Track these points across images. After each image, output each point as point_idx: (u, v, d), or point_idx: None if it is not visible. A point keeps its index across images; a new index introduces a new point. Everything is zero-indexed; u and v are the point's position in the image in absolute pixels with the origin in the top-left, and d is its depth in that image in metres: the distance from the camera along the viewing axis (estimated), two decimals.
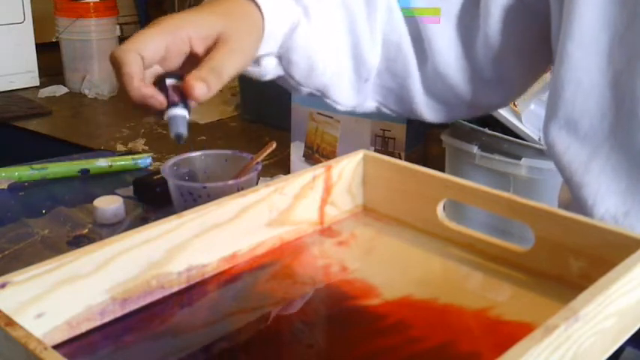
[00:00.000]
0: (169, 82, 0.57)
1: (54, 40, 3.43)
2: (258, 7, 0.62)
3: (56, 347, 0.43)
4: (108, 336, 0.46)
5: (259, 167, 0.70)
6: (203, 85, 0.55)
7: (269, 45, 0.64)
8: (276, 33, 0.64)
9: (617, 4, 0.59)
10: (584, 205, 0.65)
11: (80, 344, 0.45)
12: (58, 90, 3.42)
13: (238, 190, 0.57)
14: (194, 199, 0.66)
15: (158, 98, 0.55)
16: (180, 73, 0.57)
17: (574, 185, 0.65)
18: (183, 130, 0.56)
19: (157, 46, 0.56)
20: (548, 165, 1.57)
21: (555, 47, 0.65)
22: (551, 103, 0.66)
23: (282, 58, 0.67)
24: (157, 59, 0.57)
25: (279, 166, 2.56)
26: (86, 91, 3.39)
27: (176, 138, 0.56)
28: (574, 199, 0.67)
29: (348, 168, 0.61)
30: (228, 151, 0.73)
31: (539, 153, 1.53)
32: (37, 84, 3.44)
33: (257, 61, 0.66)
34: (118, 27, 3.48)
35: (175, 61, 0.58)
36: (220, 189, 0.65)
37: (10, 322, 0.38)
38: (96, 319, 0.47)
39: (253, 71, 0.67)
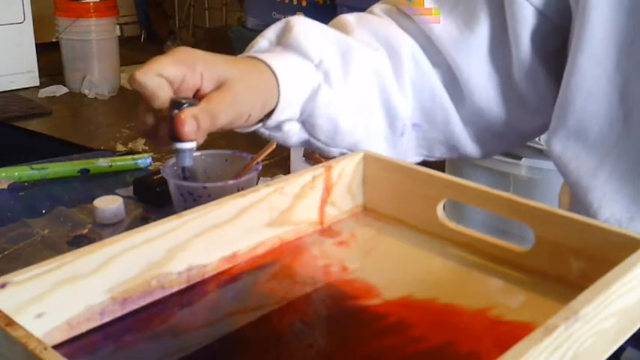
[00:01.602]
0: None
1: (54, 40, 3.44)
2: (275, 74, 0.62)
3: (56, 347, 0.43)
4: (108, 336, 0.46)
5: (259, 167, 0.70)
6: (194, 123, 0.55)
7: (289, 111, 0.65)
8: (295, 98, 0.64)
9: (624, 14, 0.60)
10: (589, 208, 0.65)
11: (80, 344, 0.45)
12: (58, 90, 3.43)
13: (238, 190, 0.57)
14: (194, 199, 0.66)
15: (161, 135, 0.57)
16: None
17: (580, 189, 0.66)
18: (189, 162, 0.57)
19: (176, 72, 0.56)
20: (548, 165, 1.57)
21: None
22: (559, 112, 0.66)
23: (306, 122, 0.67)
24: (177, 82, 0.57)
25: (279, 166, 2.56)
26: (86, 91, 3.40)
27: (181, 171, 0.58)
28: (578, 202, 0.67)
29: (348, 168, 0.61)
30: (228, 151, 0.73)
31: (539, 153, 1.53)
32: (37, 84, 3.45)
33: (278, 127, 0.66)
34: (118, 27, 3.49)
35: (186, 94, 0.58)
36: (220, 189, 0.65)
37: (10, 322, 0.38)
38: (96, 319, 0.47)
39: (276, 137, 0.67)
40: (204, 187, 0.66)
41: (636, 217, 0.63)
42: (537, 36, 0.67)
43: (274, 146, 0.72)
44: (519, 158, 1.55)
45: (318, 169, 0.59)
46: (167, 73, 0.56)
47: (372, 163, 0.62)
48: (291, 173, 0.59)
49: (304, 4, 2.76)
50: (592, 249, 0.49)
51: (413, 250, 0.57)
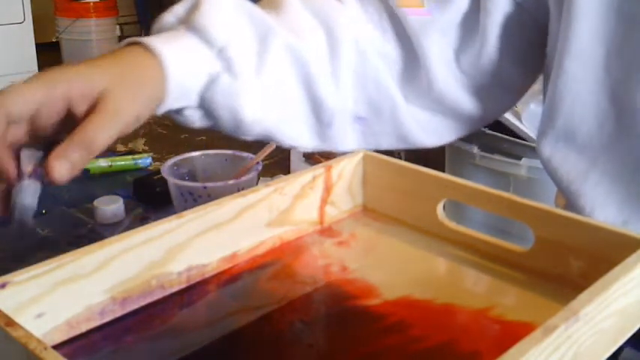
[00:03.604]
0: (27, 153, 0.50)
1: (54, 40, 3.43)
2: (161, 62, 0.56)
3: (56, 347, 0.43)
4: (108, 336, 0.46)
5: (259, 167, 0.70)
6: (67, 166, 0.48)
7: (183, 99, 0.59)
8: (189, 87, 0.58)
9: (613, 17, 0.59)
10: (581, 213, 0.64)
11: (80, 344, 0.45)
12: None
13: (238, 190, 0.57)
14: (194, 199, 0.66)
15: (7, 166, 0.48)
16: (50, 141, 0.50)
17: (571, 194, 0.65)
18: (31, 202, 0.49)
19: (25, 102, 0.49)
20: None
21: (551, 60, 0.65)
22: (547, 115, 0.65)
23: (206, 110, 0.62)
24: (25, 117, 0.49)
25: (279, 166, 2.56)
26: None
27: (18, 224, 0.47)
28: (570, 207, 0.67)
29: (348, 168, 0.61)
30: (229, 151, 0.73)
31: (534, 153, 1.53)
32: None
33: (178, 112, 0.61)
34: (118, 27, 3.49)
35: (48, 122, 0.50)
36: (220, 189, 0.65)
37: (10, 322, 0.38)
38: (96, 319, 0.47)
39: (179, 120, 0.62)
40: (204, 187, 0.66)
41: (629, 220, 0.63)
42: (509, 25, 0.66)
43: (274, 146, 0.72)
44: (519, 158, 1.55)
45: (318, 169, 0.59)
46: (14, 108, 0.48)
47: (372, 163, 0.62)
48: (291, 173, 0.59)
49: None
50: (592, 249, 0.49)
51: (413, 250, 0.57)
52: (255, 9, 0.64)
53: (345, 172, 0.61)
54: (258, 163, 0.70)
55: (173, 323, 0.49)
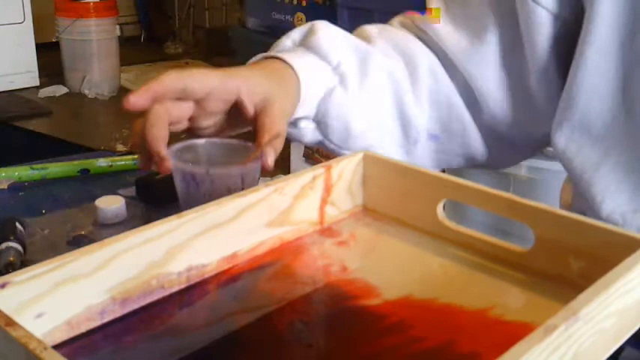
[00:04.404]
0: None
1: (54, 40, 3.43)
2: (296, 73, 0.65)
3: (56, 347, 0.43)
4: (108, 336, 0.46)
5: (265, 156, 0.70)
6: (274, 153, 0.59)
7: (305, 108, 0.67)
8: (312, 96, 0.67)
9: (627, 6, 0.61)
10: (592, 202, 0.66)
11: (80, 344, 0.45)
12: (58, 90, 3.42)
13: (242, 179, 0.57)
14: (197, 183, 0.66)
15: (165, 162, 0.56)
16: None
17: (583, 183, 0.67)
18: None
19: (205, 81, 0.57)
20: (548, 165, 1.57)
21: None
22: (564, 106, 0.67)
23: (320, 122, 0.70)
24: (198, 95, 0.58)
25: (279, 166, 2.56)
26: (86, 91, 3.39)
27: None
28: (581, 197, 0.68)
29: (348, 168, 0.61)
30: (234, 140, 0.73)
31: (539, 153, 1.53)
32: (37, 84, 3.45)
33: (294, 123, 0.69)
34: (118, 27, 3.49)
35: (214, 108, 0.60)
36: (225, 175, 0.65)
37: (10, 322, 0.38)
38: (96, 319, 0.47)
39: (292, 132, 0.70)
40: (208, 173, 0.66)
41: None
42: (552, 37, 0.68)
43: (280, 134, 0.73)
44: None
45: (318, 169, 0.59)
46: (193, 85, 0.57)
47: (372, 163, 0.62)
48: (291, 173, 0.59)
49: (304, 4, 2.75)
50: (592, 249, 0.49)
51: (413, 250, 0.57)
52: (353, 37, 0.74)
53: (345, 172, 0.61)
54: (262, 152, 0.70)
55: (173, 323, 0.49)
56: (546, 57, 0.68)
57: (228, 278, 0.53)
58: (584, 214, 0.71)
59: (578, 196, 0.70)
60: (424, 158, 0.76)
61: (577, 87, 0.65)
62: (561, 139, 0.68)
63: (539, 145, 0.79)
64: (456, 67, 0.73)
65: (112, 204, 0.80)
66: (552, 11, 0.66)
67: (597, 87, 0.64)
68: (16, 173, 0.90)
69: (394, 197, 0.61)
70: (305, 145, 2.42)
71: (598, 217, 0.66)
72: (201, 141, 0.70)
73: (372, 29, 0.77)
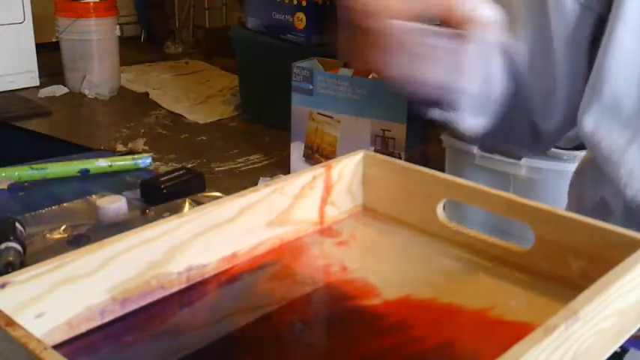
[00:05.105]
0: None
1: (54, 40, 3.44)
2: None
3: (56, 347, 0.43)
4: (108, 336, 0.46)
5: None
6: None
7: None
8: None
9: None
10: (618, 183, 0.67)
11: (80, 344, 0.45)
12: (58, 90, 3.42)
13: None
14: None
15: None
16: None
17: (610, 166, 0.67)
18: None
19: None
20: (548, 165, 1.57)
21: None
22: (593, 89, 0.67)
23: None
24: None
25: (279, 166, 2.57)
26: (86, 91, 3.39)
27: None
28: (605, 180, 0.68)
29: (348, 168, 0.61)
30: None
31: (543, 154, 1.53)
32: (37, 84, 3.45)
33: None
34: (118, 27, 3.49)
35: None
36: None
37: (10, 322, 0.38)
38: (96, 319, 0.47)
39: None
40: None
41: None
42: (578, 24, 0.67)
43: None
44: (519, 158, 1.55)
45: (318, 169, 0.59)
46: None
47: (372, 163, 0.62)
48: (291, 173, 0.59)
49: (304, 4, 2.75)
50: (592, 249, 0.49)
51: (413, 250, 0.57)
52: None
53: (345, 172, 0.61)
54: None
55: (173, 323, 0.49)
56: (572, 42, 0.68)
57: (228, 278, 0.53)
58: (604, 200, 0.71)
59: (599, 182, 0.70)
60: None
61: (607, 67, 0.65)
62: (589, 121, 0.68)
63: (558, 137, 0.77)
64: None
65: (112, 203, 0.80)
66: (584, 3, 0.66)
67: (627, 67, 0.64)
68: (16, 173, 0.90)
69: (394, 197, 0.61)
70: (305, 146, 2.43)
71: (622, 199, 0.67)
72: None
73: None
